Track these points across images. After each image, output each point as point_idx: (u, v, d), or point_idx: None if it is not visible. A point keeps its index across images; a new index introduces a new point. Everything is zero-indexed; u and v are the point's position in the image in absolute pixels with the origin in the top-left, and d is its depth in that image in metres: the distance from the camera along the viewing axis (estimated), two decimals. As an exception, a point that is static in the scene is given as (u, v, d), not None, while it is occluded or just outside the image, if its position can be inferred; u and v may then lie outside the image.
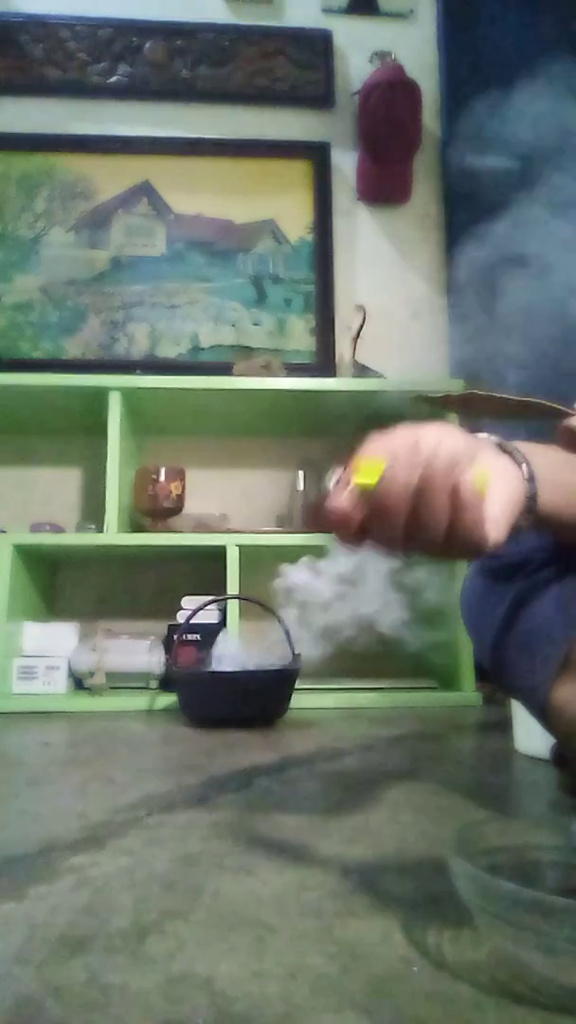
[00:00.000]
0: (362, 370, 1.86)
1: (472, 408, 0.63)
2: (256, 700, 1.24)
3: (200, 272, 2.03)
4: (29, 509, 1.85)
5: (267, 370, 1.76)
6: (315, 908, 0.45)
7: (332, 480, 0.44)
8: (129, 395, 1.65)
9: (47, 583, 1.81)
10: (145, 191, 2.05)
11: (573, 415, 0.50)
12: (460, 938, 0.39)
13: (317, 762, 0.93)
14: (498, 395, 0.58)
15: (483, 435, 0.47)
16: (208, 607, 1.43)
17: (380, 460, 0.42)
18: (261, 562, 1.73)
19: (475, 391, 0.61)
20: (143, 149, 2.06)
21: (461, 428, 0.47)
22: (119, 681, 1.55)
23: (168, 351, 1.99)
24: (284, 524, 1.86)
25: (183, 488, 1.68)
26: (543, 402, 0.56)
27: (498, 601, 0.61)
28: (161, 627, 1.62)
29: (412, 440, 0.42)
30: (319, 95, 2.11)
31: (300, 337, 2.02)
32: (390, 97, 1.92)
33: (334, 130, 2.11)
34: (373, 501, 0.41)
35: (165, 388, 1.65)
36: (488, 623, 0.62)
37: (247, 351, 1.98)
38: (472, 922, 0.37)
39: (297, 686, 1.32)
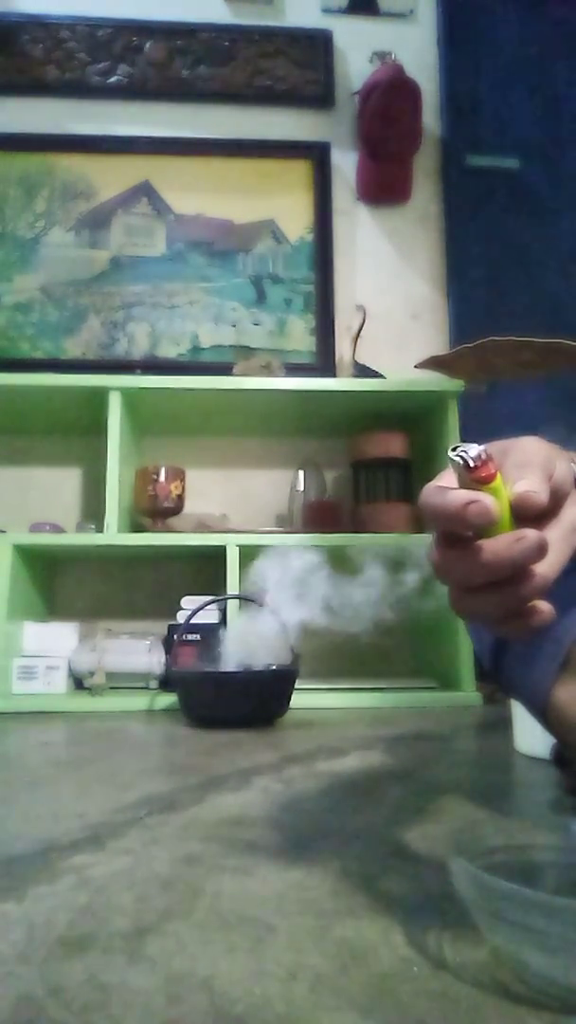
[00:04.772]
0: (362, 370, 1.86)
1: (488, 365, 0.61)
2: (256, 700, 1.24)
3: (200, 272, 2.03)
4: (29, 509, 1.85)
5: (267, 370, 1.76)
6: (315, 908, 0.45)
7: (465, 459, 0.33)
8: (129, 395, 1.65)
9: (47, 583, 1.81)
10: (145, 191, 2.05)
11: None
12: (460, 938, 0.39)
13: (317, 762, 0.93)
14: (520, 339, 0.55)
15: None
16: (208, 607, 1.43)
17: (531, 480, 0.36)
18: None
19: (494, 338, 0.58)
20: (143, 149, 2.06)
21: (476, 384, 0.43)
22: (119, 681, 1.55)
23: (168, 351, 1.99)
24: (284, 524, 1.86)
25: (183, 488, 1.68)
26: (571, 343, 0.53)
27: None
28: (161, 627, 1.63)
29: (547, 466, 0.39)
30: (319, 95, 2.11)
31: (300, 337, 2.02)
32: (390, 97, 1.92)
33: (334, 130, 2.12)
34: (523, 512, 0.36)
35: (165, 388, 1.65)
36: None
37: (247, 351, 1.98)
38: (472, 922, 0.37)
39: (297, 686, 1.32)
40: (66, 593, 1.86)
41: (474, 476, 0.35)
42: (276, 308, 2.03)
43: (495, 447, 0.39)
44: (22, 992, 0.35)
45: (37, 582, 1.70)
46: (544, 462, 0.38)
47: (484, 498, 0.34)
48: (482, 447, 0.35)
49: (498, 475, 0.35)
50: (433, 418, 1.74)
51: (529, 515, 0.36)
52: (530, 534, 0.35)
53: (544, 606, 0.37)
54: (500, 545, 0.35)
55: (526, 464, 0.38)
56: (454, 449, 0.35)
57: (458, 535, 0.36)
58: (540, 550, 0.34)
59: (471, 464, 0.35)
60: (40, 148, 2.04)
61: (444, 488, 0.36)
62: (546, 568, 0.37)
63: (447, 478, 0.38)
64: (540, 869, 0.40)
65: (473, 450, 0.35)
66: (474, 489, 0.35)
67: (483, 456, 0.35)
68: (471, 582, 0.36)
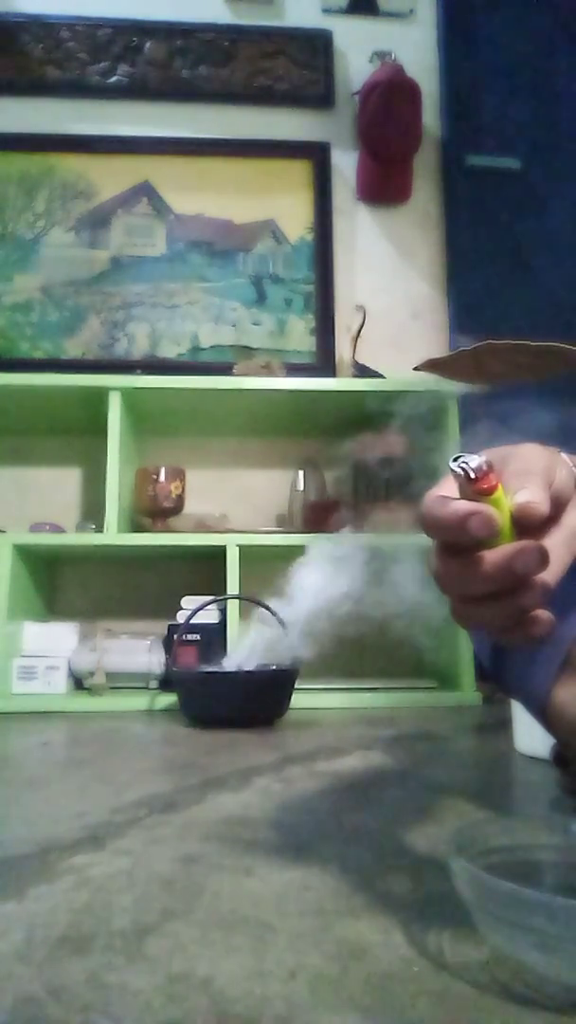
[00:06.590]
0: (362, 370, 1.86)
1: (485, 368, 0.61)
2: (256, 700, 1.24)
3: (200, 272, 2.03)
4: (29, 509, 1.85)
5: (267, 370, 1.76)
6: (315, 908, 0.45)
7: (465, 466, 0.34)
8: (129, 395, 1.65)
9: (47, 583, 1.81)
10: (145, 191, 2.05)
11: None
12: (460, 938, 0.39)
13: (317, 762, 0.93)
14: (517, 342, 0.55)
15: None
16: (208, 607, 1.43)
17: (529, 490, 0.36)
18: (261, 562, 1.74)
19: (492, 341, 0.57)
20: (143, 149, 2.06)
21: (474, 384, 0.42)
22: (119, 681, 1.55)
23: (168, 351, 1.99)
24: (284, 524, 1.86)
25: (183, 488, 1.68)
26: (567, 346, 0.52)
27: None
28: (161, 627, 1.63)
29: (549, 474, 0.38)
30: (319, 95, 2.11)
31: (300, 337, 2.02)
32: (390, 97, 1.92)
33: (334, 130, 2.11)
34: (524, 523, 0.35)
35: (165, 388, 1.65)
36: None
37: (247, 351, 1.98)
38: (472, 922, 0.37)
39: (297, 686, 1.32)
40: (66, 593, 1.86)
41: (476, 488, 0.34)
42: (276, 308, 2.03)
43: (495, 454, 0.38)
44: (22, 992, 0.35)
45: (37, 582, 1.70)
46: (544, 470, 0.38)
47: (486, 510, 0.34)
48: (483, 457, 0.35)
49: (499, 486, 0.35)
50: (433, 418, 1.74)
51: (530, 526, 0.35)
52: (531, 546, 0.34)
53: (544, 615, 0.37)
54: (501, 556, 0.34)
55: (526, 473, 0.37)
56: (455, 459, 0.34)
57: (459, 545, 0.36)
58: (541, 561, 0.34)
59: (473, 476, 0.34)
60: (40, 148, 2.04)
61: (446, 499, 0.35)
62: (547, 576, 0.37)
63: (447, 486, 0.37)
64: (540, 869, 0.40)
65: (475, 461, 0.34)
66: (475, 500, 0.34)
67: (484, 467, 0.34)
68: (472, 592, 0.36)
